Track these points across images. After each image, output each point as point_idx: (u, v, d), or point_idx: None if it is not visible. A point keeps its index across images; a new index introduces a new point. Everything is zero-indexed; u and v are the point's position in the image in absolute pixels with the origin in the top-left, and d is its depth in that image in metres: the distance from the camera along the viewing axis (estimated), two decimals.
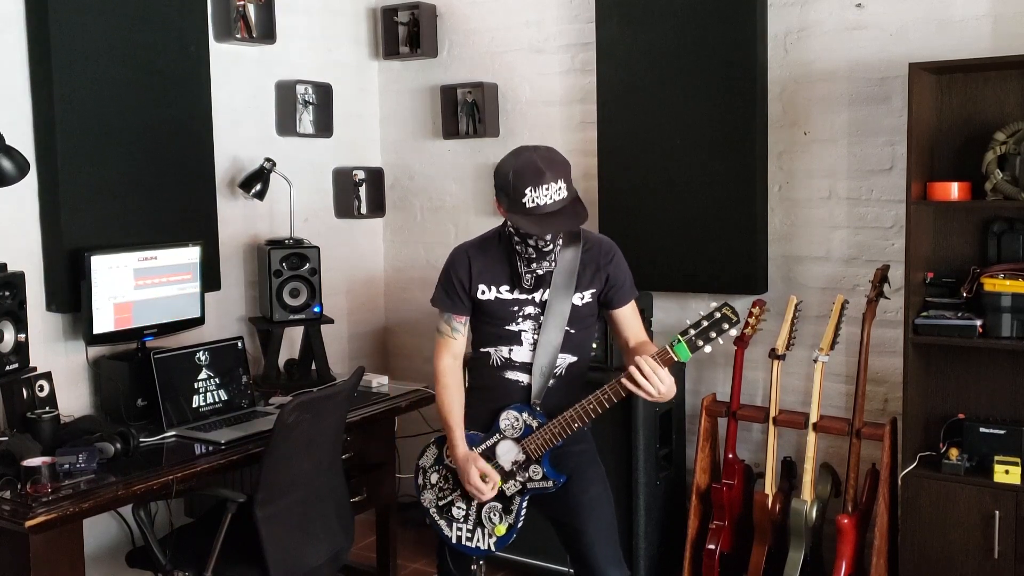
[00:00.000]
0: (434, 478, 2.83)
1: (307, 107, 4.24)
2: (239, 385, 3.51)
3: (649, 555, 3.61)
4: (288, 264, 3.88)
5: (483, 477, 2.68)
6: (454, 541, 2.79)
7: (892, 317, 3.51)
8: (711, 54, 3.68)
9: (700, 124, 3.73)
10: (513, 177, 2.55)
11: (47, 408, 3.06)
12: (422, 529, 4.35)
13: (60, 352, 3.38)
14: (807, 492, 3.39)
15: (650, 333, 3.86)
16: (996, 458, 3.11)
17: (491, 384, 2.77)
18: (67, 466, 2.72)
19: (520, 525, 2.72)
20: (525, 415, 2.71)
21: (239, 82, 4.00)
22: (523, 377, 2.73)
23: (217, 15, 3.86)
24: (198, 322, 3.63)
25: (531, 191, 2.51)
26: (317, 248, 3.97)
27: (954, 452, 3.18)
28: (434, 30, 4.48)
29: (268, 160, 3.91)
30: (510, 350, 2.74)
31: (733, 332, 2.52)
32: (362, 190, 4.55)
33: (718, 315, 2.49)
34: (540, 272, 2.68)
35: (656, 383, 2.48)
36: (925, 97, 3.23)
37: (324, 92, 4.29)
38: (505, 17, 4.32)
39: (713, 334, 2.50)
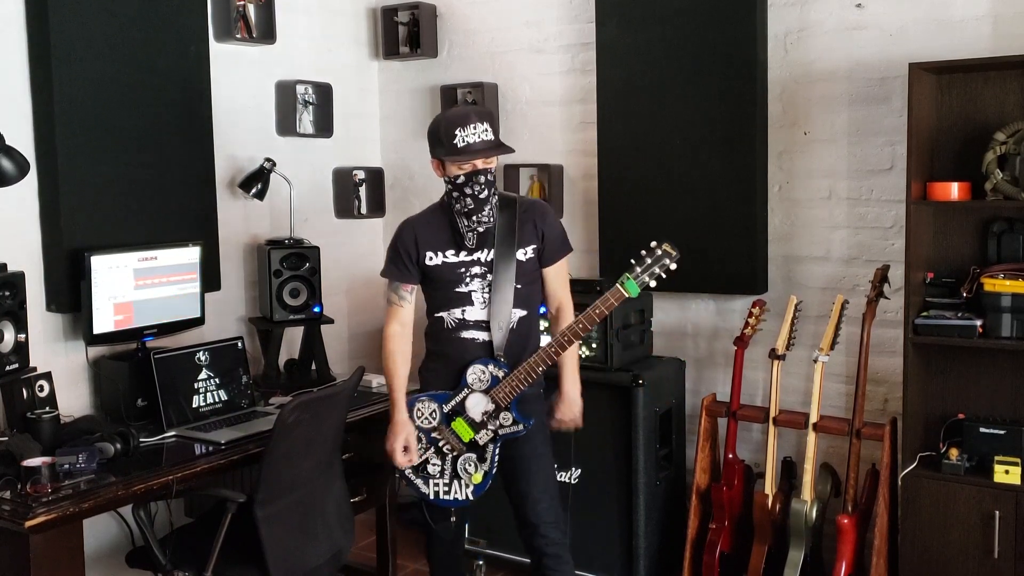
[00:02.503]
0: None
1: (307, 107, 4.24)
2: (239, 385, 3.51)
3: (649, 555, 3.61)
4: (288, 264, 3.88)
5: (405, 448, 2.94)
6: (432, 497, 3.00)
7: (892, 317, 3.51)
8: (711, 54, 3.68)
9: (700, 124, 3.73)
10: (443, 124, 2.86)
11: (47, 408, 3.06)
12: (422, 529, 4.35)
13: (60, 352, 3.38)
14: (807, 492, 3.39)
15: (651, 334, 3.87)
16: (996, 458, 3.11)
17: (448, 347, 2.98)
18: (67, 466, 2.72)
19: (494, 471, 2.94)
20: (491, 367, 2.92)
21: (239, 82, 3.99)
22: (480, 335, 2.95)
23: (217, 15, 3.86)
24: (198, 322, 3.62)
25: (460, 131, 2.82)
26: (317, 248, 3.97)
27: (954, 452, 3.18)
28: (434, 30, 4.48)
29: (268, 160, 3.91)
30: (463, 311, 2.95)
31: (674, 266, 2.79)
32: (362, 190, 4.55)
33: (659, 252, 2.78)
34: (480, 229, 2.91)
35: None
36: (925, 97, 3.23)
37: (324, 92, 4.29)
38: (505, 17, 4.32)
39: (657, 269, 2.79)
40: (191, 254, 3.58)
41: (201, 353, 3.42)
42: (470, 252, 2.94)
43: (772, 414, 3.48)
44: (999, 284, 3.10)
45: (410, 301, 3.02)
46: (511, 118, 4.34)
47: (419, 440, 2.98)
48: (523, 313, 2.97)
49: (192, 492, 3.06)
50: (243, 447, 3.07)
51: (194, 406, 3.35)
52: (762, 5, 3.64)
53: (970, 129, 3.27)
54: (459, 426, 2.95)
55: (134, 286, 3.38)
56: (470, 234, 2.92)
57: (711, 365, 3.92)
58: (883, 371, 3.57)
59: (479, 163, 2.84)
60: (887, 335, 3.54)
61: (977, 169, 3.17)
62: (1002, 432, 3.17)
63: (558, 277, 3.05)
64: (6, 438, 2.89)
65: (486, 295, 2.93)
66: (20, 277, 3.08)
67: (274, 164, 3.92)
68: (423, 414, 2.99)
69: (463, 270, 2.94)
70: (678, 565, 3.65)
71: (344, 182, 4.49)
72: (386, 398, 3.68)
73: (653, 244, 2.79)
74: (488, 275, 2.93)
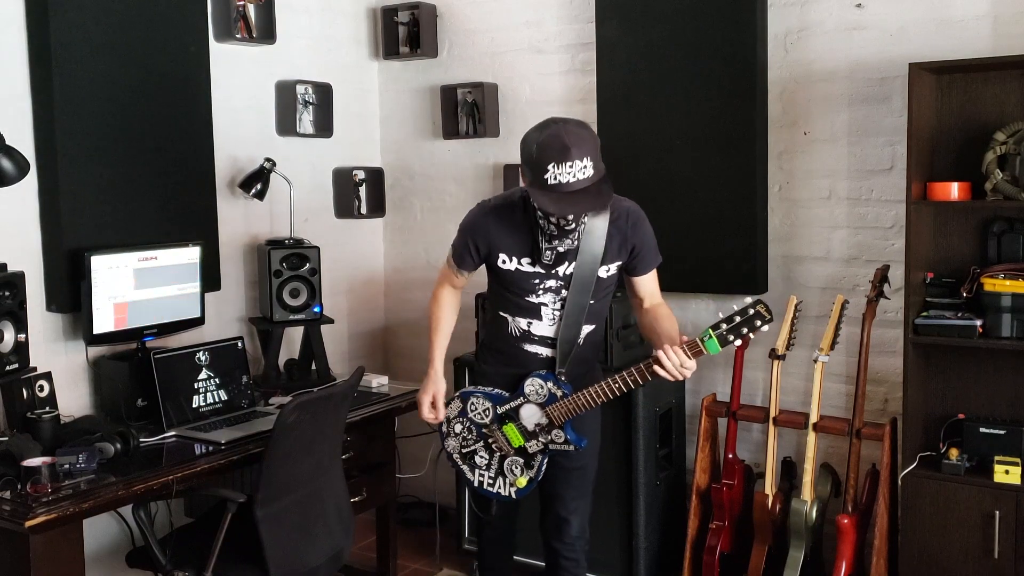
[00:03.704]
0: (457, 428, 2.94)
1: (307, 107, 4.24)
2: (239, 385, 3.51)
3: (649, 555, 3.61)
4: (288, 264, 3.88)
5: (433, 404, 2.90)
6: (476, 484, 2.94)
7: (892, 317, 3.51)
8: (711, 54, 3.68)
9: (700, 124, 3.73)
10: (537, 151, 2.50)
11: (47, 408, 3.06)
12: (422, 529, 4.36)
13: (60, 352, 3.37)
14: (807, 492, 3.39)
15: None
16: (996, 458, 3.11)
17: (510, 352, 2.83)
18: (67, 466, 2.72)
19: (540, 479, 2.87)
20: (550, 384, 2.78)
21: (239, 82, 3.99)
22: (543, 350, 2.79)
23: (217, 15, 3.86)
24: (198, 322, 3.62)
25: (553, 167, 2.46)
26: (317, 248, 3.97)
27: (954, 452, 3.18)
28: (434, 30, 4.48)
29: (268, 160, 3.91)
30: (529, 323, 2.78)
31: (765, 329, 2.53)
32: (362, 190, 4.55)
33: (751, 312, 2.52)
34: (561, 250, 2.67)
35: (683, 372, 2.56)
36: (925, 97, 3.23)
37: (324, 92, 4.29)
38: (505, 17, 4.32)
39: (745, 330, 2.52)
40: (191, 254, 3.58)
41: (201, 353, 3.42)
42: (547, 267, 2.73)
43: (772, 414, 3.48)
44: (999, 284, 3.10)
45: (467, 278, 2.91)
46: (511, 118, 4.34)
47: (469, 431, 2.91)
48: (591, 328, 2.81)
49: (192, 492, 3.06)
50: (243, 447, 3.07)
51: (194, 406, 3.35)
52: (762, 5, 3.64)
53: (970, 129, 3.27)
54: (510, 431, 2.85)
55: (134, 286, 3.38)
56: (549, 252, 2.69)
57: (711, 365, 3.92)
58: (883, 371, 3.57)
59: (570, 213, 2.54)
60: (887, 335, 3.54)
61: (977, 169, 3.17)
62: (1002, 432, 3.17)
63: (650, 285, 2.84)
64: (6, 438, 2.89)
65: (556, 311, 2.75)
66: (20, 277, 3.08)
67: (274, 164, 3.92)
68: (476, 409, 2.90)
69: (537, 281, 2.74)
70: (678, 565, 3.66)
71: (344, 182, 4.49)
72: (386, 398, 3.72)
73: (748, 300, 2.55)
74: (563, 290, 2.73)
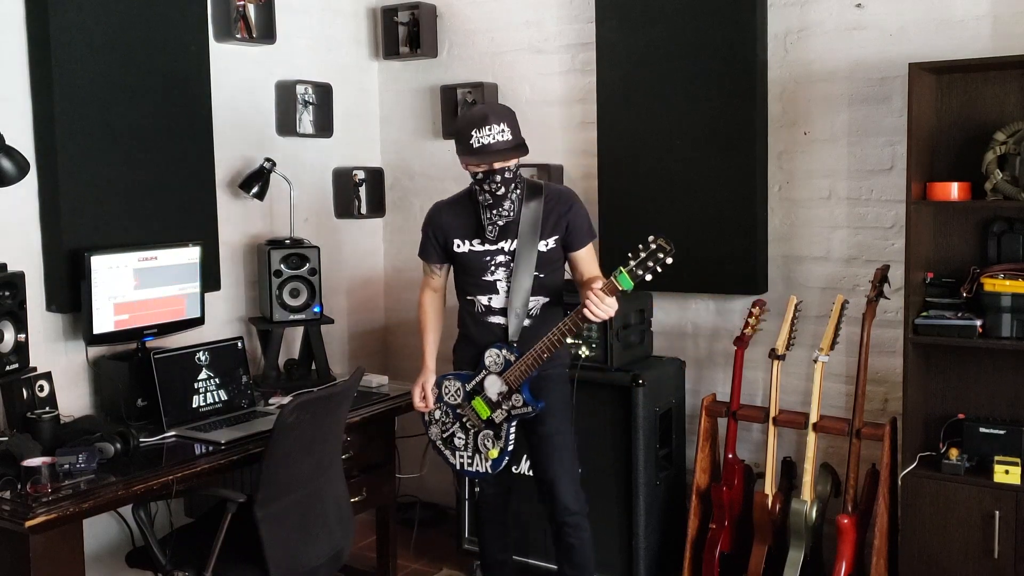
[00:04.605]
0: (437, 414, 3.25)
1: (307, 107, 4.24)
2: (239, 385, 3.51)
3: (649, 555, 3.61)
4: (288, 264, 3.88)
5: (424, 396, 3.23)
6: (458, 467, 3.23)
7: (892, 317, 3.51)
8: (711, 54, 3.68)
9: (700, 124, 3.73)
10: (461, 123, 3.02)
11: (47, 408, 3.06)
12: (422, 529, 4.36)
13: (60, 352, 3.38)
14: (807, 492, 3.39)
15: (651, 334, 3.87)
16: (996, 458, 3.11)
17: (475, 330, 3.17)
18: (67, 466, 2.72)
19: (511, 448, 3.13)
20: (504, 351, 3.11)
21: (239, 82, 3.99)
22: (501, 320, 3.13)
23: (217, 15, 3.86)
24: (198, 322, 3.63)
25: (476, 131, 2.93)
26: (317, 248, 3.97)
27: (954, 452, 3.18)
28: (434, 30, 4.48)
29: (268, 160, 3.91)
30: (489, 299, 3.13)
31: (669, 261, 2.81)
32: (362, 190, 4.55)
33: (654, 246, 2.81)
34: (501, 222, 3.06)
35: (605, 308, 2.85)
36: (925, 97, 3.23)
37: (324, 92, 4.29)
38: (505, 17, 4.32)
39: (651, 263, 2.82)
40: (191, 254, 3.58)
41: (201, 353, 3.42)
42: (493, 243, 3.09)
43: (772, 414, 3.48)
44: (999, 284, 3.10)
45: (439, 275, 3.29)
46: None
47: (447, 415, 3.22)
48: (546, 300, 3.14)
49: (192, 492, 3.06)
50: (243, 447, 3.08)
51: (194, 406, 3.35)
52: (762, 5, 3.64)
53: (970, 129, 3.27)
54: (478, 404, 3.15)
55: (134, 286, 3.38)
56: (491, 227, 3.07)
57: (711, 365, 3.92)
58: (883, 371, 3.57)
59: (495, 163, 2.95)
60: (887, 335, 3.54)
61: (977, 169, 3.17)
62: (1002, 432, 3.17)
63: (586, 259, 3.14)
64: (6, 438, 2.89)
65: (508, 284, 3.09)
66: (20, 277, 3.09)
67: (274, 164, 3.92)
68: (450, 391, 3.22)
69: (488, 259, 3.11)
70: (678, 565, 3.65)
71: (344, 182, 4.49)
72: (386, 398, 3.75)
73: (650, 238, 2.83)
74: (511, 264, 3.08)
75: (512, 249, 3.08)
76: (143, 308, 3.41)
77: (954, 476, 3.15)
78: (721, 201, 3.70)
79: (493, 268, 3.11)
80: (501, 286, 3.10)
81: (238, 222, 4.00)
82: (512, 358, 3.08)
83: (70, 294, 3.30)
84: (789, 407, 3.59)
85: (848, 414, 3.45)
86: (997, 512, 3.05)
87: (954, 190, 3.17)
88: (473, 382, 3.16)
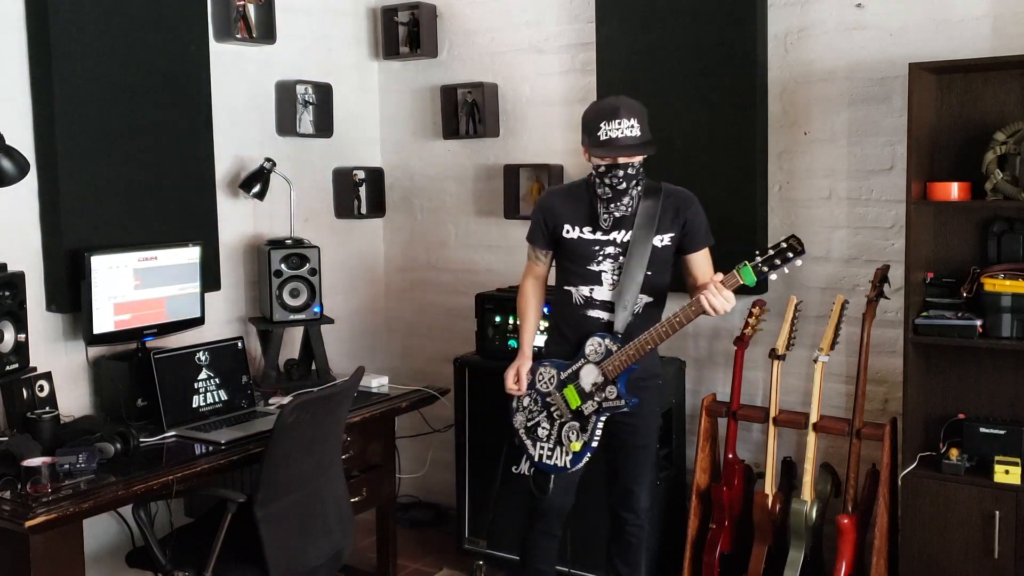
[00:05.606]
0: (526, 401, 3.13)
1: (307, 107, 4.24)
2: (239, 385, 3.51)
3: (649, 555, 3.60)
4: (288, 264, 3.88)
5: (517, 378, 3.11)
6: (536, 459, 3.10)
7: (892, 317, 3.51)
8: (711, 54, 3.68)
9: (700, 124, 3.73)
10: (592, 113, 2.95)
11: (47, 408, 3.06)
12: (422, 529, 4.36)
13: (60, 352, 3.37)
14: (807, 492, 3.39)
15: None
16: (996, 458, 3.11)
17: (573, 322, 3.06)
18: (67, 466, 2.72)
19: (595, 445, 3.02)
20: (607, 341, 2.98)
21: (239, 82, 3.99)
22: (604, 315, 3.01)
23: (217, 15, 3.86)
24: (198, 322, 3.63)
25: (605, 124, 2.87)
26: (317, 248, 3.97)
27: (954, 452, 3.18)
28: (434, 30, 4.48)
29: (268, 160, 3.91)
30: (591, 289, 3.02)
31: (798, 262, 2.74)
32: (362, 190, 4.54)
33: (784, 244, 2.75)
34: (617, 214, 2.97)
35: (722, 301, 2.79)
36: (925, 97, 3.23)
37: (324, 92, 4.29)
38: (505, 17, 4.32)
39: (778, 261, 2.75)
40: (191, 254, 3.58)
41: (201, 353, 3.42)
42: (606, 232, 2.99)
43: (772, 414, 3.48)
44: (999, 284, 3.10)
45: (544, 262, 3.19)
46: (511, 118, 4.34)
47: (535, 402, 3.11)
48: (649, 300, 3.02)
49: (192, 492, 3.06)
50: (243, 447, 3.08)
51: (194, 406, 3.35)
52: (762, 5, 3.64)
53: (970, 129, 3.27)
54: (569, 392, 3.04)
55: (134, 286, 3.38)
56: (606, 216, 2.97)
57: (711, 365, 3.92)
58: (883, 371, 3.57)
59: (620, 158, 2.88)
60: (887, 335, 3.54)
61: (977, 169, 3.17)
62: (1002, 432, 3.17)
63: (702, 263, 3.05)
64: (6, 438, 2.89)
65: (616, 276, 2.98)
66: (20, 277, 3.09)
67: (274, 164, 3.92)
68: (543, 378, 3.11)
69: (597, 247, 3.00)
70: (678, 565, 3.65)
71: (344, 182, 4.49)
72: (386, 399, 3.75)
73: (784, 236, 2.77)
74: (621, 257, 2.98)
75: (624, 241, 2.97)
76: (144, 308, 3.41)
77: (954, 476, 3.15)
78: (721, 201, 3.69)
79: (600, 258, 2.99)
80: (606, 278, 2.99)
81: (238, 222, 4.00)
82: (614, 348, 2.96)
83: (70, 294, 3.30)
84: (789, 407, 3.59)
85: (848, 414, 3.45)
86: (997, 512, 3.05)
87: (954, 190, 3.17)
88: (569, 369, 3.04)
